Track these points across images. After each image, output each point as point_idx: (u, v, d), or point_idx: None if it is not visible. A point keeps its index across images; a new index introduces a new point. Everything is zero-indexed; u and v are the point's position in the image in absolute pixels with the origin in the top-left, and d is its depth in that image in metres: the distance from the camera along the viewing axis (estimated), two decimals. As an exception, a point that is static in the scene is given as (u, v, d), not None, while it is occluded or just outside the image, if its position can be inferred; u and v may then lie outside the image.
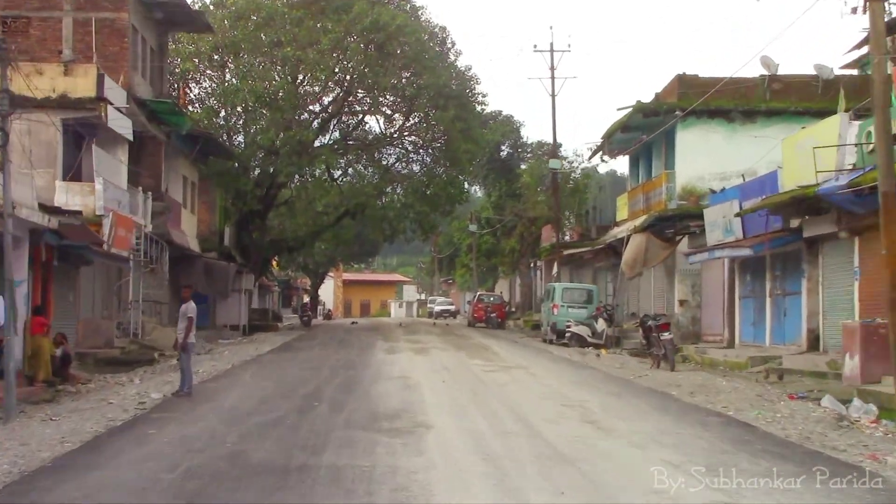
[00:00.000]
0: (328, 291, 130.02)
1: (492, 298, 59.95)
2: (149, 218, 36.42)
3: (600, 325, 38.76)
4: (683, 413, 16.65)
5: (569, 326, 38.74)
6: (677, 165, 37.73)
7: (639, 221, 38.62)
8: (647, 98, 39.36)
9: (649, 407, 17.58)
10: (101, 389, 22.56)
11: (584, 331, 38.51)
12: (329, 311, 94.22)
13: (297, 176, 55.09)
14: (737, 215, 29.20)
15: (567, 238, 63.85)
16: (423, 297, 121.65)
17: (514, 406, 17.34)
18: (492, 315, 56.50)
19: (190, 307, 20.00)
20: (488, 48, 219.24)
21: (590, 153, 52.59)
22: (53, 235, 25.11)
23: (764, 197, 27.81)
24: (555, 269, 50.17)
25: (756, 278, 31.13)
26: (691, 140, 37.46)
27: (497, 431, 14.20)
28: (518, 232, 69.57)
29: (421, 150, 57.23)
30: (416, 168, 57.45)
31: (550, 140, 76.92)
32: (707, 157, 37.15)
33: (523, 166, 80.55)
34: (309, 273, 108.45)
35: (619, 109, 39.07)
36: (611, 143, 43.03)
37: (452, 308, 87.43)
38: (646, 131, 39.97)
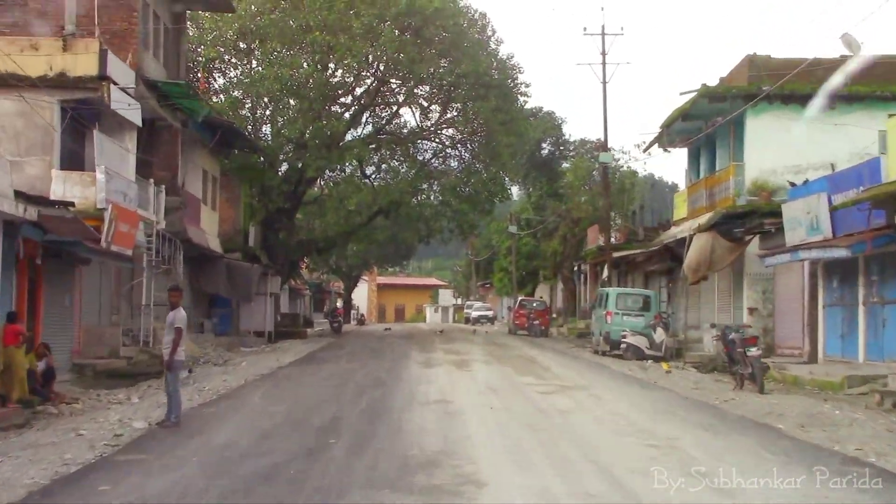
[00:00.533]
0: (362, 296, 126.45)
1: (534, 304, 55.77)
2: (161, 213, 32.80)
3: (659, 335, 34.62)
4: (811, 459, 12.47)
5: (624, 337, 34.64)
6: (747, 157, 33.57)
7: (703, 220, 34.47)
8: (710, 83, 35.13)
9: (761, 448, 13.46)
10: (88, 411, 18.88)
11: (641, 342, 34.40)
12: (362, 315, 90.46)
13: (327, 171, 51.35)
14: (833, 209, 24.95)
15: (613, 240, 59.84)
16: (459, 301, 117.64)
17: (587, 448, 13.30)
18: (534, 322, 52.37)
19: (178, 316, 16.01)
20: (532, 35, 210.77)
21: (640, 147, 48.92)
22: (36, 229, 21.43)
23: (863, 188, 23.64)
24: (605, 273, 46.03)
25: (846, 283, 26.89)
26: (763, 129, 33.29)
27: (576, 495, 10.18)
28: (560, 234, 65.50)
29: (459, 145, 53.35)
30: (453, 164, 53.66)
31: (594, 137, 73.12)
32: (780, 148, 32.96)
33: (565, 165, 76.57)
34: (342, 276, 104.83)
35: (681, 94, 34.95)
36: (669, 134, 38.83)
37: (490, 314, 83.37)
38: (710, 120, 35.84)
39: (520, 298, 57.92)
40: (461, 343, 42.88)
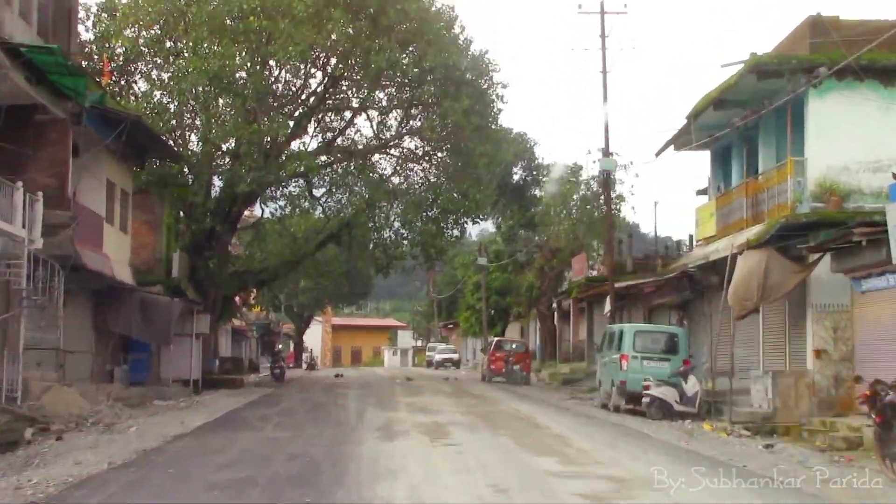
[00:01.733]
0: (315, 337, 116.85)
1: (513, 346, 46.68)
2: (37, 230, 23.71)
3: (692, 385, 25.87)
4: None
5: (647, 388, 25.81)
6: (809, 151, 24.97)
7: (750, 234, 25.85)
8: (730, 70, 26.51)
9: None
10: None
11: (669, 394, 25.62)
12: (312, 360, 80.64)
13: (268, 190, 42.36)
14: None
15: (595, 273, 51.52)
16: (419, 343, 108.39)
17: None
18: (514, 367, 43.36)
19: None
20: (508, 26, 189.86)
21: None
22: None
23: None
24: (607, 307, 37.16)
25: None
26: (830, 113, 24.75)
27: None
28: (536, 266, 56.83)
29: (424, 160, 44.58)
30: (417, 180, 44.82)
31: (572, 161, 64.53)
32: (854, 138, 24.54)
33: (538, 192, 68.08)
34: (292, 316, 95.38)
35: (723, 66, 26.64)
36: (695, 128, 30.07)
37: (455, 356, 74.21)
38: (750, 106, 27.31)
39: (495, 339, 48.70)
40: (429, 395, 33.97)
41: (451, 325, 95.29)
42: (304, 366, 74.25)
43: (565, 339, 54.78)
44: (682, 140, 31.77)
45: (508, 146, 54.40)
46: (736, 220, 28.48)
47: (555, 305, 56.86)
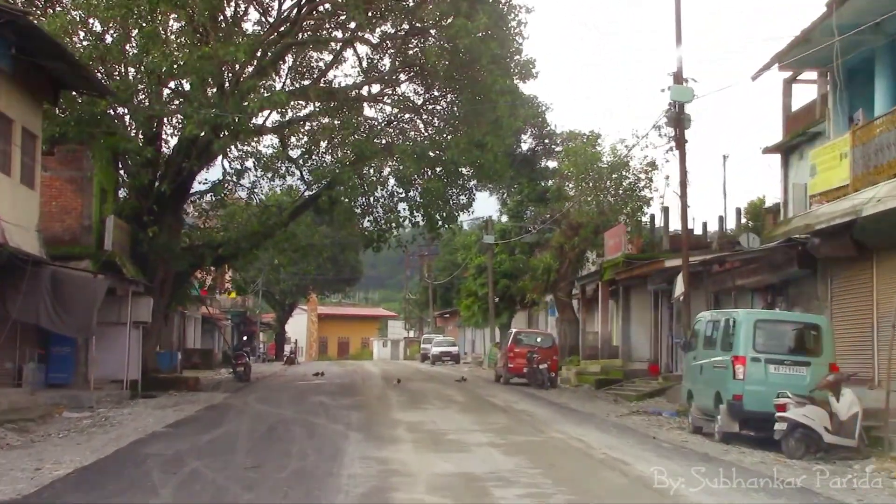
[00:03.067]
0: (300, 327, 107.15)
1: (538, 339, 36.76)
2: None
3: (846, 403, 16.40)
4: None
5: (783, 408, 16.29)
6: None
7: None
8: None
9: None
10: None
11: (818, 419, 16.15)
12: (292, 353, 70.56)
13: (234, 148, 32.92)
14: None
15: (628, 250, 42.54)
16: (411, 334, 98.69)
17: None
18: (540, 367, 33.70)
19: None
20: None
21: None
22: None
23: None
24: (678, 289, 27.34)
25: None
26: None
27: None
28: (554, 245, 47.33)
29: (424, 110, 35.01)
30: (418, 133, 35.23)
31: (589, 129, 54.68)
32: None
33: (550, 164, 58.69)
34: (273, 304, 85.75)
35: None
36: (807, 43, 20.47)
37: (455, 350, 64.48)
38: None
39: (514, 332, 38.59)
40: (437, 407, 24.41)
41: (447, 315, 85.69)
42: (284, 359, 64.56)
43: (590, 331, 45.29)
44: (793, 55, 22.19)
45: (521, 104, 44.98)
46: (888, 160, 18.99)
47: (576, 291, 47.41)
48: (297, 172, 36.54)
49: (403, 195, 33.19)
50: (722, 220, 43.04)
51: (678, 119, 26.06)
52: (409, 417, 21.01)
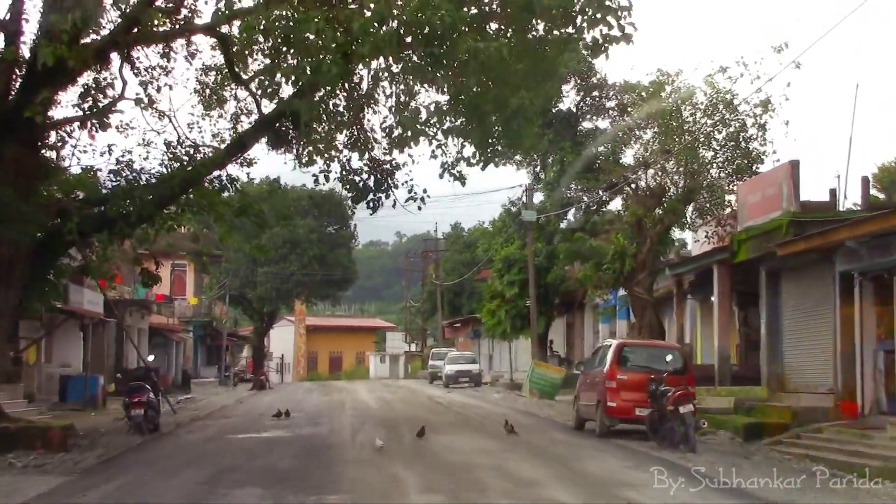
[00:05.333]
0: (286, 341, 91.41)
1: (667, 358, 19.42)
2: None
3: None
4: None
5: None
6: None
7: None
8: None
9: None
10: None
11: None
12: (263, 373, 53.74)
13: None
14: None
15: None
16: (412, 348, 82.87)
17: None
18: (680, 410, 17.29)
19: None
20: None
21: None
22: None
23: None
24: None
25: None
26: None
27: None
28: (628, 220, 32.21)
29: None
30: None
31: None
32: None
33: (599, 123, 43.55)
34: (251, 314, 70.24)
35: None
36: None
37: (475, 369, 48.40)
38: None
39: (613, 343, 21.30)
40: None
41: (457, 324, 69.95)
42: (252, 384, 48.54)
43: (688, 343, 29.91)
44: None
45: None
46: None
47: (675, 288, 32.23)
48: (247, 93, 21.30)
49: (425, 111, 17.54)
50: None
51: None
52: None
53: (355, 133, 20.27)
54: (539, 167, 44.89)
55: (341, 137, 20.42)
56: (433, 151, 18.83)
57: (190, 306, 55.52)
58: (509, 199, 47.55)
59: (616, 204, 41.26)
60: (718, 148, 30.55)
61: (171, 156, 20.94)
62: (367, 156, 20.37)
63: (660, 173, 31.71)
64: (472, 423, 22.30)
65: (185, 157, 20.89)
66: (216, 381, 50.95)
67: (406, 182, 20.49)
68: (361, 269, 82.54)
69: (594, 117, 43.91)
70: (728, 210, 30.70)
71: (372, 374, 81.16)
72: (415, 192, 20.22)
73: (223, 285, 57.38)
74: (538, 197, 44.19)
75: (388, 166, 20.35)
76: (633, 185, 32.56)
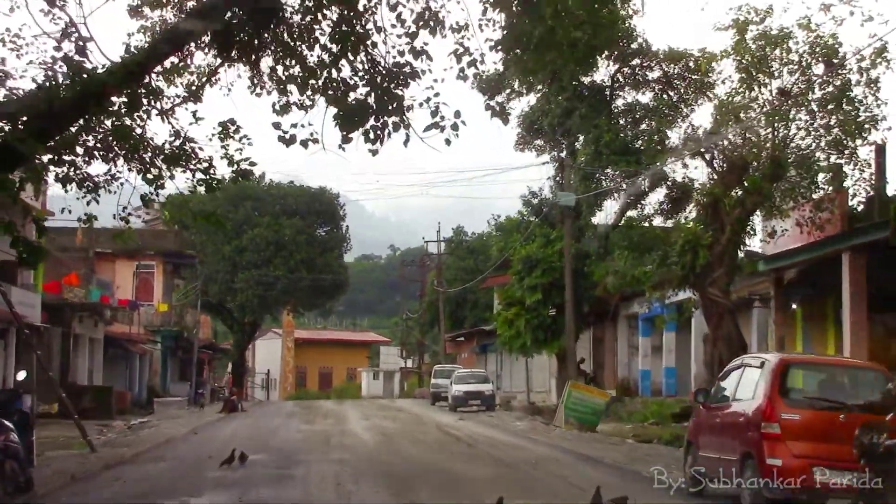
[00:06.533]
0: (272, 355, 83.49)
1: (868, 380, 11.88)
2: None
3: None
4: None
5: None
6: None
7: None
8: None
9: None
10: None
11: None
12: (234, 393, 44.70)
13: None
14: None
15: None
16: (409, 364, 74.80)
17: None
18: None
19: None
20: None
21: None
22: None
23: None
24: None
25: None
26: None
27: None
28: (703, 201, 24.67)
29: None
30: None
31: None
32: None
33: (640, 97, 36.02)
34: (231, 324, 62.29)
35: None
36: None
37: (488, 389, 40.10)
38: None
39: (772, 359, 11.90)
40: None
41: (460, 338, 61.89)
42: (221, 405, 40.16)
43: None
44: None
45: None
46: None
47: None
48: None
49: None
50: None
51: None
52: None
53: (346, 18, 12.49)
54: (565, 152, 37.24)
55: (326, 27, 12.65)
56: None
57: (158, 314, 47.61)
58: (529, 191, 39.77)
59: (659, 195, 33.77)
60: (816, 110, 23.17)
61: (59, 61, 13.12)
62: (365, 57, 12.65)
63: (740, 142, 24.20)
64: (525, 481, 14.39)
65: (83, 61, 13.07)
66: (186, 401, 42.91)
67: (426, 102, 12.70)
68: (353, 284, 74.67)
69: (633, 91, 36.36)
70: (823, 191, 23.43)
71: (364, 393, 73.06)
72: (441, 116, 12.46)
73: (195, 287, 49.31)
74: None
75: (398, 72, 12.60)
76: (708, 156, 24.87)
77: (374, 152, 13.19)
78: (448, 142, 12.65)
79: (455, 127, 12.37)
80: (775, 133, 23.37)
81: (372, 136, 12.64)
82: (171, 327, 48.51)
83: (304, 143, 13.13)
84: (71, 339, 36.38)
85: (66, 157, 14.21)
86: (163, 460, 17.09)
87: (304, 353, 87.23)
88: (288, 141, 12.98)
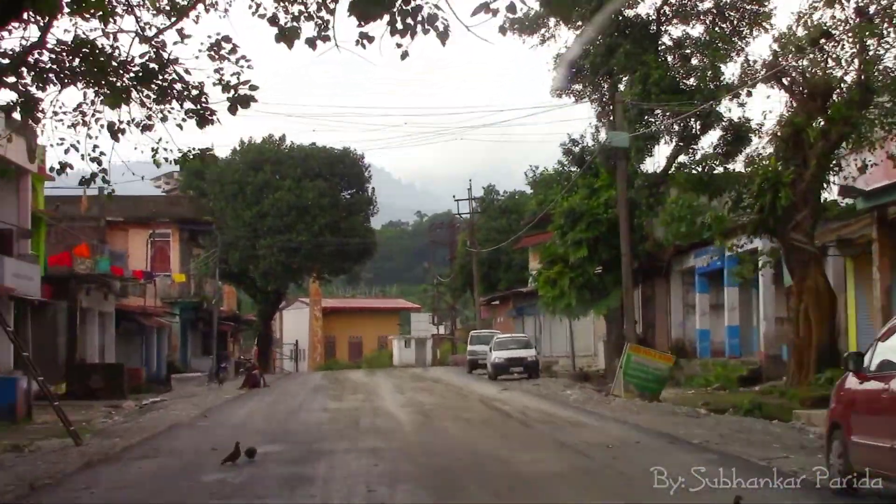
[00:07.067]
0: (300, 325, 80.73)
1: None
2: None
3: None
4: None
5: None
6: None
7: None
8: None
9: None
10: None
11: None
12: (256, 367, 41.78)
13: None
14: None
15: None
16: (441, 330, 71.65)
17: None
18: None
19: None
20: None
21: None
22: None
23: None
24: None
25: None
26: None
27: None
28: (782, 133, 21.19)
29: None
30: None
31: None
32: None
33: (689, 30, 32.53)
34: (254, 293, 59.40)
35: None
36: None
37: (531, 355, 36.73)
38: None
39: None
40: None
41: (496, 301, 58.63)
42: (244, 379, 37.10)
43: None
44: None
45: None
46: None
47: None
48: None
49: None
50: None
51: None
52: None
53: None
54: (607, 95, 33.69)
55: None
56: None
57: (175, 284, 44.62)
58: (570, 138, 36.31)
59: (714, 136, 30.31)
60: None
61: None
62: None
63: (823, 61, 20.64)
64: (611, 477, 11.05)
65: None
66: (206, 377, 39.92)
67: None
68: (381, 251, 71.56)
69: (681, 24, 32.70)
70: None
71: (396, 361, 69.99)
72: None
73: (214, 255, 46.26)
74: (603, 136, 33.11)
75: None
76: (785, 80, 21.29)
77: (404, 55, 9.89)
78: (503, 30, 9.31)
79: (512, 8, 8.96)
80: (863, 53, 19.90)
81: (400, 24, 9.29)
82: (190, 298, 45.57)
83: (311, 42, 9.86)
84: (78, 314, 33.46)
85: (7, 79, 11.18)
86: (156, 455, 13.95)
87: (332, 323, 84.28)
88: (288, 38, 9.69)
